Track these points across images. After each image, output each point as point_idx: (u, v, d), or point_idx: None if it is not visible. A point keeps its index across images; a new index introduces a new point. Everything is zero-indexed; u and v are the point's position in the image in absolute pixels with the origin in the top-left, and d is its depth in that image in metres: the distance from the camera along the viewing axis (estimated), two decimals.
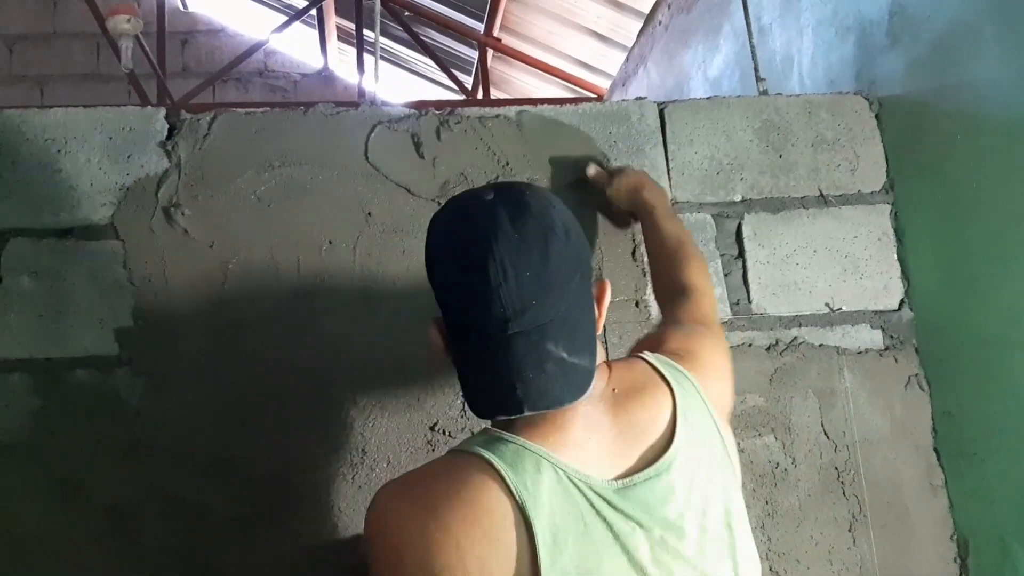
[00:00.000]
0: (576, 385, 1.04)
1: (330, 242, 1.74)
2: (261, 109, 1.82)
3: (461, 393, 1.11)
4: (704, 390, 1.16)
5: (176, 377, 1.66)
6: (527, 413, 1.02)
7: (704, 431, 1.13)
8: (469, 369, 1.08)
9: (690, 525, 1.06)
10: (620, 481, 1.05)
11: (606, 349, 1.73)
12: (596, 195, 1.77)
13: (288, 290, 1.71)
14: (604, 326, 1.23)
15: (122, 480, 1.62)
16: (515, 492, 1.00)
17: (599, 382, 1.11)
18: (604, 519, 1.02)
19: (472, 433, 1.42)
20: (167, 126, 1.78)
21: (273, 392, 1.66)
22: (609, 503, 1.03)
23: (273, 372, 1.67)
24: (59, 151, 1.74)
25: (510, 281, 1.02)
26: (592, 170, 1.74)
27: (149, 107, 1.81)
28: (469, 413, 1.68)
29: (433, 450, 1.66)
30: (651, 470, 1.06)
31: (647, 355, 1.19)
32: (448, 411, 1.69)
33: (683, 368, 1.17)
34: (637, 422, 1.10)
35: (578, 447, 1.06)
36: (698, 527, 1.06)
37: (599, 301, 1.15)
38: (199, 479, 1.63)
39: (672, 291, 1.47)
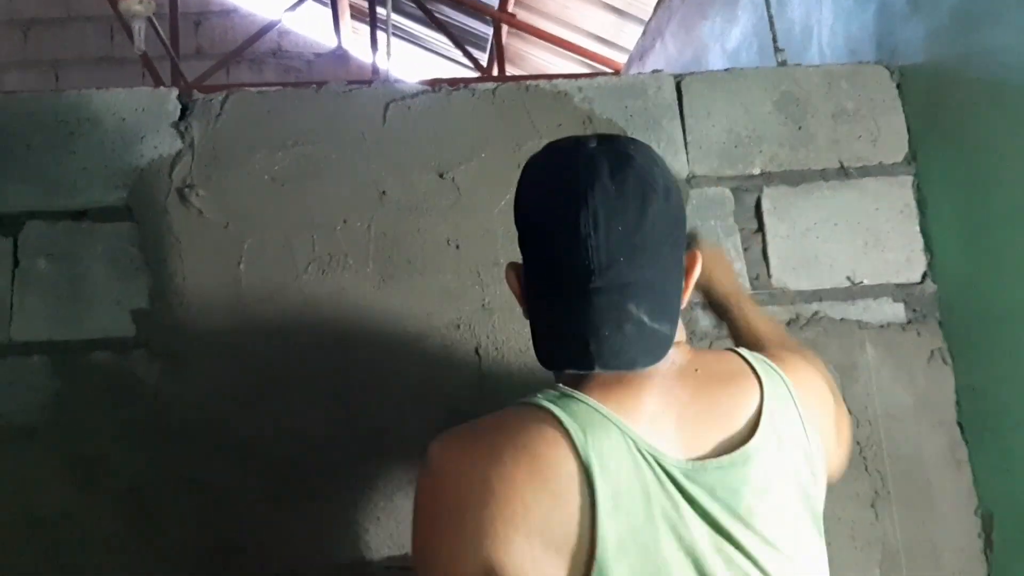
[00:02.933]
0: (653, 351, 0.99)
1: (345, 221, 1.73)
2: (273, 88, 1.81)
3: (532, 344, 1.05)
4: (796, 392, 1.09)
5: (193, 358, 1.66)
6: (597, 371, 0.98)
7: (791, 435, 1.06)
8: (543, 319, 1.03)
9: (759, 523, 1.01)
10: (691, 463, 1.00)
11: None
12: None
13: (304, 270, 1.71)
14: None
15: (140, 461, 1.62)
16: (581, 452, 0.96)
17: (681, 357, 1.07)
18: (669, 497, 0.99)
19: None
20: (180, 107, 1.77)
21: (290, 373, 1.66)
22: (676, 482, 0.99)
23: (289, 353, 1.67)
24: (72, 134, 1.74)
25: (600, 233, 0.97)
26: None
27: (161, 88, 1.80)
28: (487, 394, 1.68)
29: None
30: (726, 459, 1.01)
31: (740, 349, 1.14)
32: (466, 392, 1.68)
33: (778, 368, 1.11)
34: (719, 404, 1.05)
35: (652, 419, 1.02)
36: (767, 527, 1.01)
37: (688, 272, 1.08)
38: (217, 460, 1.63)
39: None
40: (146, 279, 1.69)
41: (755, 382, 1.08)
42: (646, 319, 0.98)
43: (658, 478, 0.98)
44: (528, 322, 1.07)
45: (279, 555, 1.62)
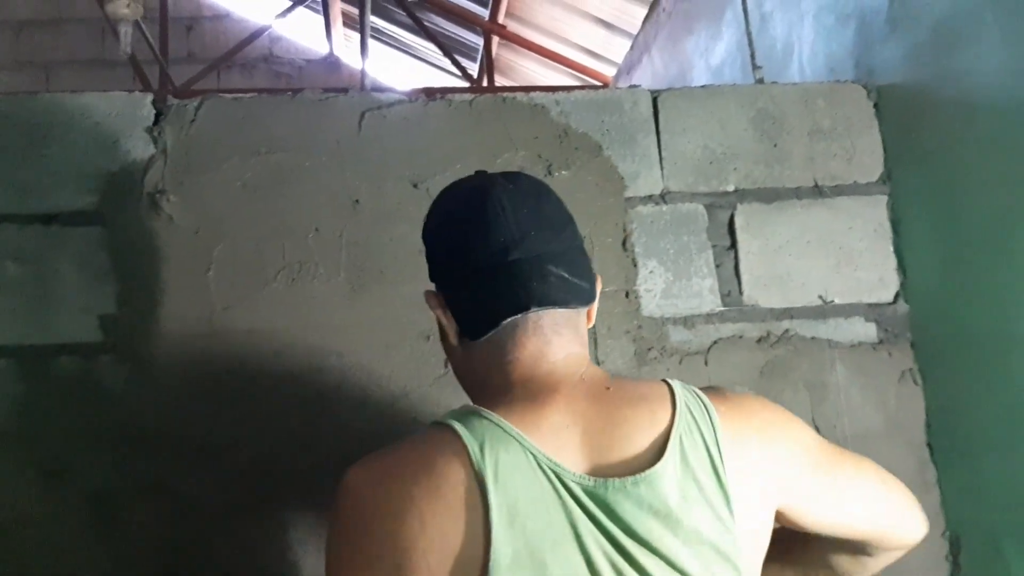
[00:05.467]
0: (580, 295, 1.09)
1: (316, 229, 1.72)
2: (249, 95, 1.81)
3: (456, 331, 1.12)
4: (727, 442, 1.05)
5: (160, 364, 1.65)
6: (533, 311, 1.06)
7: (701, 467, 1.03)
8: (471, 299, 1.10)
9: (663, 547, 0.99)
10: (593, 480, 1.00)
11: (595, 345, 1.72)
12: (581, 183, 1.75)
13: (274, 278, 1.70)
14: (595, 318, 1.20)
15: (106, 467, 1.61)
16: (476, 466, 0.97)
17: (593, 374, 1.09)
18: (569, 512, 0.99)
19: None
20: (154, 112, 1.76)
21: (258, 381, 1.65)
22: (576, 498, 0.99)
23: (258, 359, 1.66)
24: (45, 137, 1.73)
25: (508, 213, 1.07)
26: None
27: (136, 92, 1.79)
28: (453, 398, 1.67)
29: None
30: (629, 480, 1.00)
31: (672, 380, 1.11)
32: (435, 403, 1.67)
33: (709, 402, 1.09)
34: (625, 423, 1.05)
35: (556, 432, 1.02)
36: (671, 552, 0.99)
37: (594, 281, 1.14)
38: (184, 466, 1.62)
39: None
40: (115, 284, 1.68)
41: (668, 408, 1.06)
42: (566, 275, 1.08)
43: (558, 493, 0.99)
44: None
45: (244, 562, 1.60)
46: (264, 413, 1.65)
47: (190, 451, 1.62)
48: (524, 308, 1.06)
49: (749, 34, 2.12)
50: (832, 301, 1.80)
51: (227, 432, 1.63)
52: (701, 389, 1.11)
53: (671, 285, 1.78)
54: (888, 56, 1.88)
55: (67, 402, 1.63)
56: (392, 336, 1.69)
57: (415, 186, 1.76)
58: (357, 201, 1.75)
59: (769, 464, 1.09)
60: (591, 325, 1.15)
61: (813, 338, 1.78)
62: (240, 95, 1.79)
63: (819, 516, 1.14)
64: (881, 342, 1.80)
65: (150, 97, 1.78)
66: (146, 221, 1.70)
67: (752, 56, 2.09)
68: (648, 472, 1.01)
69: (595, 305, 1.14)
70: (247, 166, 1.74)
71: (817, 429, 1.70)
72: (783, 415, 1.16)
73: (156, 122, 1.75)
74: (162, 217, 1.70)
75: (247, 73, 7.62)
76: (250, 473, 1.62)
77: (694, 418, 1.06)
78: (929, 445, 1.76)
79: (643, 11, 4.53)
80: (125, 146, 1.74)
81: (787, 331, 1.78)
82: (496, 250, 1.06)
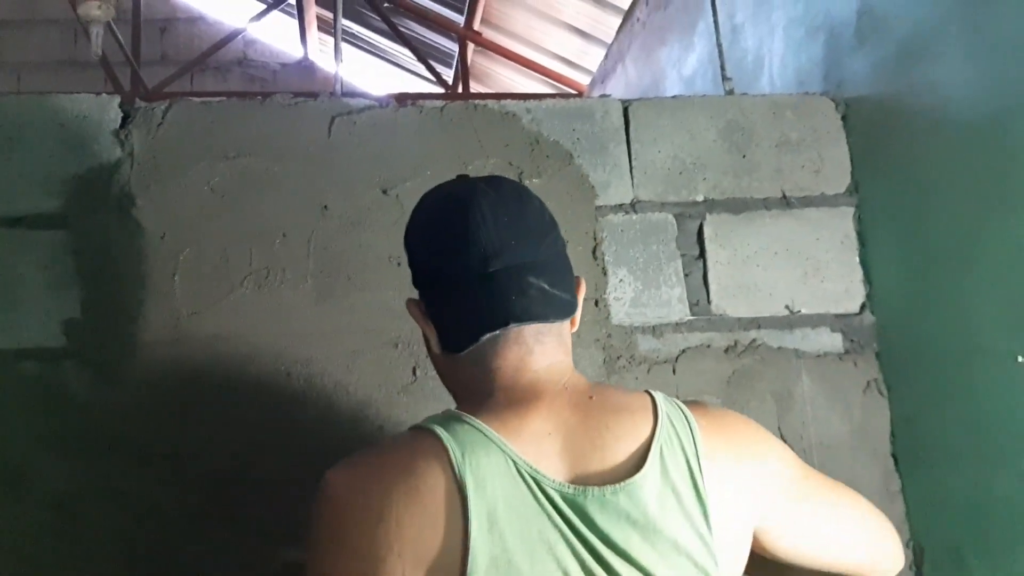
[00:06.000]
0: (560, 309, 1.08)
1: (284, 235, 1.71)
2: (217, 99, 1.79)
3: (438, 342, 1.11)
4: (707, 456, 1.06)
5: (123, 370, 1.63)
6: (512, 326, 1.05)
7: (681, 480, 1.04)
8: (450, 312, 1.09)
9: (642, 558, 0.99)
10: (573, 488, 1.01)
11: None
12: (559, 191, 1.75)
13: (240, 284, 1.68)
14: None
15: (67, 473, 1.59)
16: (457, 471, 0.98)
17: (575, 382, 1.09)
18: (548, 519, 0.99)
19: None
20: (121, 115, 1.74)
21: (222, 388, 1.64)
22: (555, 505, 1.00)
23: (223, 365, 1.65)
24: (10, 139, 1.71)
25: (488, 223, 1.06)
26: None
27: (104, 95, 1.78)
28: (422, 414, 1.66)
29: None
30: (608, 489, 1.01)
31: (655, 391, 1.12)
32: (401, 411, 1.67)
33: (691, 414, 1.09)
34: (607, 432, 1.05)
35: (537, 440, 1.03)
36: (649, 563, 1.00)
37: (575, 290, 1.15)
38: (147, 473, 1.60)
39: None
40: (79, 289, 1.66)
41: (650, 419, 1.07)
42: (547, 287, 1.07)
43: (537, 500, 0.99)
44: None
45: (206, 571, 1.58)
46: (229, 420, 1.63)
47: (154, 457, 1.61)
48: (503, 324, 1.06)
49: (720, 46, 2.13)
50: (799, 311, 1.81)
51: (192, 438, 1.62)
52: (685, 403, 1.11)
53: (640, 294, 1.78)
54: (856, 69, 1.89)
55: (29, 407, 1.61)
56: (359, 343, 1.68)
57: (385, 192, 1.76)
58: (326, 207, 1.74)
59: (747, 481, 1.09)
60: (575, 330, 1.15)
61: (780, 348, 1.79)
62: (210, 99, 1.78)
63: (794, 542, 1.14)
64: (847, 352, 1.81)
65: (117, 99, 1.76)
66: (112, 225, 1.68)
67: (723, 67, 2.10)
68: (628, 482, 1.01)
69: (579, 312, 1.14)
70: (215, 170, 1.73)
71: (783, 438, 1.72)
72: (765, 435, 1.16)
73: (123, 125, 1.74)
74: (128, 221, 1.69)
75: (221, 76, 7.58)
76: (213, 482, 1.61)
77: (675, 430, 1.06)
78: (894, 455, 1.77)
79: (618, 20, 4.55)
80: (92, 149, 1.72)
81: (754, 341, 1.79)
82: (476, 262, 1.06)
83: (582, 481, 1.01)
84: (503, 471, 0.99)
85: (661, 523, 1.01)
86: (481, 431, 1.02)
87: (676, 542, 1.01)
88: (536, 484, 0.99)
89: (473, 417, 1.03)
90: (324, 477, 1.04)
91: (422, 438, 1.03)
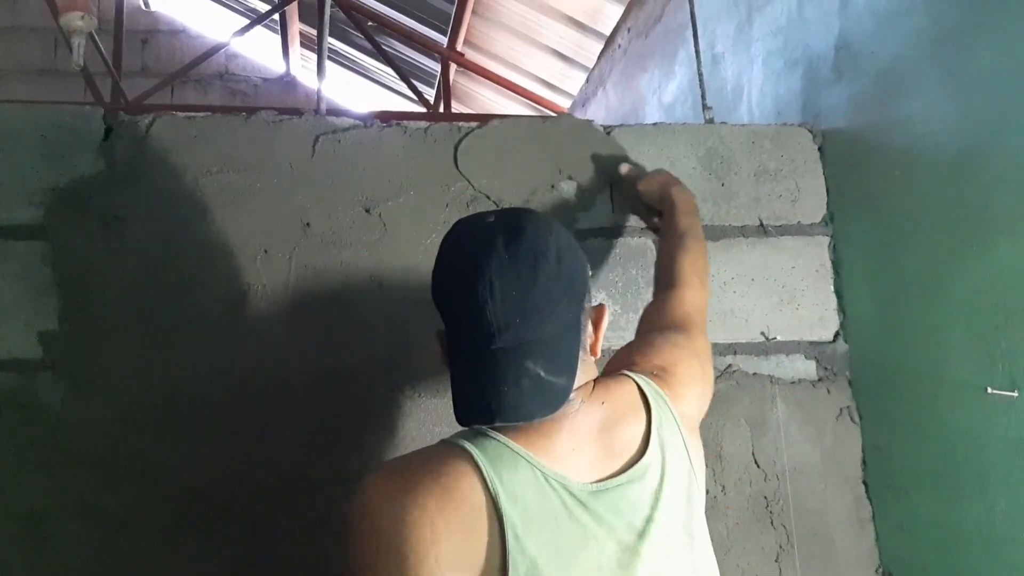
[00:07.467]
0: (549, 403, 1.10)
1: (265, 251, 1.72)
2: (202, 113, 1.79)
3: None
4: (676, 407, 1.24)
5: (100, 383, 1.63)
6: (498, 424, 1.09)
7: (674, 446, 1.19)
8: (458, 378, 1.14)
9: (657, 530, 1.11)
10: (595, 484, 1.11)
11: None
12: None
13: (220, 299, 1.68)
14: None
15: (40, 486, 1.58)
16: (489, 484, 1.05)
17: (588, 400, 1.17)
18: (576, 519, 1.08)
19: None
20: (104, 127, 1.74)
21: (200, 402, 1.64)
22: (582, 504, 1.09)
23: (200, 381, 1.64)
24: None
25: (496, 300, 1.08)
26: (625, 168, 1.83)
27: (87, 107, 1.78)
28: (401, 434, 1.67)
29: (357, 470, 1.62)
30: (623, 476, 1.13)
31: (635, 376, 1.25)
32: (379, 431, 1.67)
33: (661, 390, 1.24)
34: (621, 440, 1.16)
35: (561, 455, 1.12)
36: (664, 533, 1.12)
37: (596, 324, 1.21)
38: (121, 488, 1.59)
39: (663, 282, 1.56)
40: (57, 300, 1.65)
41: (645, 409, 1.20)
42: (542, 373, 1.10)
43: (564, 503, 1.09)
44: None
45: None
46: (203, 436, 1.63)
47: (127, 471, 1.60)
48: (489, 421, 1.09)
49: (700, 74, 2.16)
50: (775, 338, 1.83)
51: (163, 455, 1.61)
52: (641, 376, 1.25)
53: (619, 318, 1.80)
54: (833, 102, 1.93)
55: (3, 419, 1.60)
56: (339, 360, 1.68)
57: (367, 211, 1.77)
58: (308, 224, 1.74)
59: (694, 407, 1.31)
60: (597, 358, 1.21)
61: (755, 374, 1.81)
62: (193, 113, 1.78)
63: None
64: (820, 380, 1.84)
65: (101, 111, 1.76)
66: (92, 237, 1.68)
67: (703, 96, 2.13)
68: (639, 464, 1.14)
69: (600, 334, 1.21)
70: (197, 185, 1.73)
71: (756, 463, 1.74)
72: (685, 354, 1.35)
73: (106, 137, 1.73)
74: (108, 234, 1.68)
75: (202, 89, 7.55)
76: (184, 497, 1.60)
77: (662, 415, 1.21)
78: (865, 482, 1.80)
79: (599, 46, 4.59)
80: (73, 160, 1.72)
81: (730, 366, 1.81)
82: (480, 337, 1.09)
83: (604, 478, 1.13)
84: (532, 481, 1.08)
85: (674, 490, 1.15)
86: (508, 446, 1.10)
87: (683, 501, 1.17)
88: (564, 488, 1.09)
89: (499, 434, 1.12)
90: (359, 487, 1.11)
91: (452, 453, 1.10)
